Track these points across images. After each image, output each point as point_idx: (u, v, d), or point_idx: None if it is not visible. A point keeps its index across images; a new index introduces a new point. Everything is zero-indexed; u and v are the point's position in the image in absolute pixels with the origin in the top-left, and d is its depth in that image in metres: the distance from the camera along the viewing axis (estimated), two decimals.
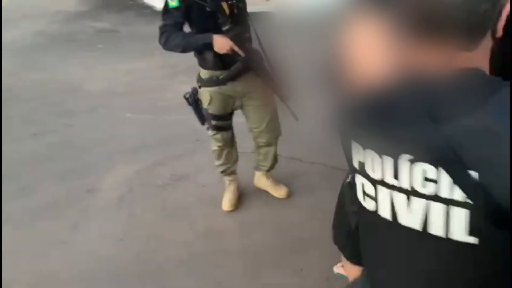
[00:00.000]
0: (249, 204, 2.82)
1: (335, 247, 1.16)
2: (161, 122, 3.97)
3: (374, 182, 0.79)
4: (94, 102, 4.49)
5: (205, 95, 2.47)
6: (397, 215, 0.77)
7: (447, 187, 0.69)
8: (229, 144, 2.69)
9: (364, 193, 0.82)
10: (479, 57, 0.70)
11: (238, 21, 2.32)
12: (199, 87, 2.49)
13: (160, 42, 2.33)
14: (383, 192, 0.78)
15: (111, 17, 8.27)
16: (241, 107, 2.57)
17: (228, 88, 2.44)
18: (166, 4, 2.29)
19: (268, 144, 2.71)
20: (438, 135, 0.67)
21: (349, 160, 0.84)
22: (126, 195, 2.98)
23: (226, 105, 2.52)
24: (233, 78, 2.40)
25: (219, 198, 2.81)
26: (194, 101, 2.51)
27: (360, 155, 0.79)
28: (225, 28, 2.27)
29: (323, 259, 2.26)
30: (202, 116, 2.57)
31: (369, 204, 0.82)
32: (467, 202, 0.67)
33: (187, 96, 2.53)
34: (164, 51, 2.38)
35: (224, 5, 2.26)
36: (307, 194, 2.86)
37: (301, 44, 4.45)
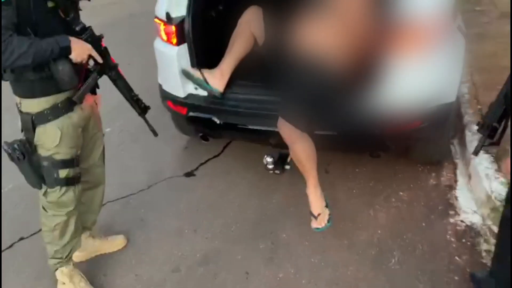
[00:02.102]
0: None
1: None
2: None
3: None
4: None
5: (51, 133, 1.68)
6: None
7: None
8: (78, 205, 1.88)
9: None
10: None
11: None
12: (33, 127, 1.67)
13: None
14: None
15: None
16: None
17: (76, 114, 1.76)
18: None
19: (97, 184, 2.03)
20: None
21: None
22: None
23: (78, 141, 1.80)
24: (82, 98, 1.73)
25: None
26: (26, 152, 1.68)
27: None
28: (78, 27, 1.65)
29: None
30: (39, 172, 1.73)
31: None
32: None
33: (10, 151, 1.68)
34: None
35: None
36: (135, 234, 2.34)
37: None
